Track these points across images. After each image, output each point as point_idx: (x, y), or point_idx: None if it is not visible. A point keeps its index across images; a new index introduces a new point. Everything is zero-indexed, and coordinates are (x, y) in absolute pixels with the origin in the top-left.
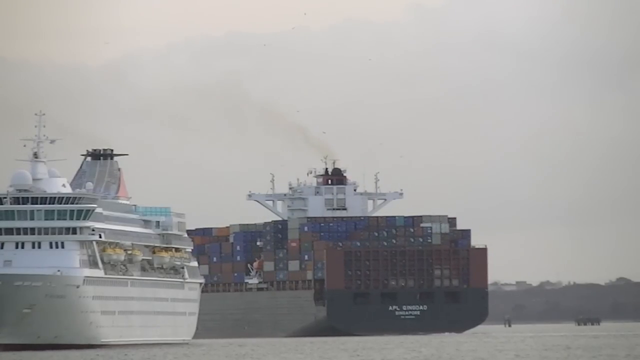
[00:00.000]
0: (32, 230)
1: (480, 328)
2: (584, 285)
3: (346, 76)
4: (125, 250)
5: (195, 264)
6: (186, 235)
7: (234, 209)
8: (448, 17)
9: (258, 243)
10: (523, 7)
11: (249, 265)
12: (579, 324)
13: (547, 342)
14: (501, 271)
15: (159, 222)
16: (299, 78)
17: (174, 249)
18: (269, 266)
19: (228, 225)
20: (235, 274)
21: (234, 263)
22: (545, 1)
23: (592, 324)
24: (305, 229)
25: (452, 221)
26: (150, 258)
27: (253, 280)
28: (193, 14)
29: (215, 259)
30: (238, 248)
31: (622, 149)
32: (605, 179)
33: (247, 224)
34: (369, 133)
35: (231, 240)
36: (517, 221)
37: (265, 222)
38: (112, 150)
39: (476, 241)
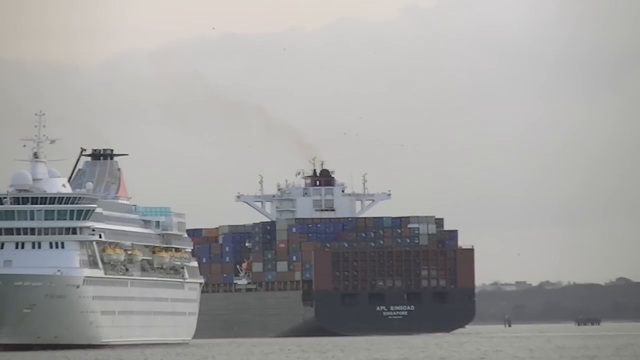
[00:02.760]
0: (32, 230)
1: (480, 328)
2: (584, 285)
3: (338, 77)
4: (125, 250)
5: (195, 264)
6: (186, 235)
7: (223, 210)
8: (441, 18)
9: (247, 244)
10: (516, 7)
11: (237, 266)
12: (579, 324)
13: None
14: (488, 271)
15: (159, 222)
16: (291, 78)
17: (174, 249)
18: (257, 267)
19: (217, 226)
20: (225, 275)
21: (223, 264)
22: (539, 1)
23: (592, 324)
24: (294, 230)
25: (439, 222)
26: (150, 258)
27: (242, 281)
28: (188, 15)
29: (204, 259)
30: (227, 249)
31: (615, 149)
32: (600, 178)
33: (236, 225)
34: (358, 133)
35: (220, 241)
36: (512, 222)
37: (254, 223)
38: (112, 150)
39: (466, 242)
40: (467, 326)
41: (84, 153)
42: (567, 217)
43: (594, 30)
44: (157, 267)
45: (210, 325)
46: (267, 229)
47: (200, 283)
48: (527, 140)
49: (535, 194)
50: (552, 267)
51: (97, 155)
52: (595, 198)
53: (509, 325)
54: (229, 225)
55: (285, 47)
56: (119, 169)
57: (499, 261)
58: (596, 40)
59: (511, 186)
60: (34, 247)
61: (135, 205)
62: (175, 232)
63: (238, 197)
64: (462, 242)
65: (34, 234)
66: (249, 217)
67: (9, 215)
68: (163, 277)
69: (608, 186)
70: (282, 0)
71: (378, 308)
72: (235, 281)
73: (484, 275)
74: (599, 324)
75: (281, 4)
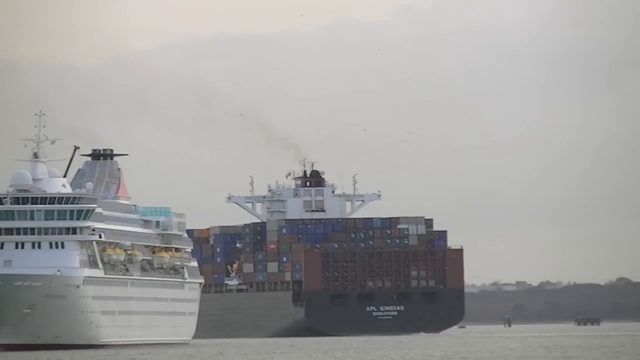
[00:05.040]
0: (32, 230)
1: (480, 328)
2: (584, 285)
3: (332, 77)
4: (125, 250)
5: (195, 264)
6: (186, 235)
7: (214, 211)
8: (437, 18)
9: (237, 245)
10: (513, 8)
11: (228, 267)
12: (579, 324)
13: None
14: (484, 271)
15: (159, 222)
16: (284, 79)
17: (173, 249)
18: (248, 268)
19: (208, 227)
20: (216, 276)
21: (214, 265)
22: (536, 2)
23: (592, 324)
24: (284, 230)
25: (428, 222)
26: (150, 258)
27: (233, 282)
28: (183, 15)
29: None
30: (218, 250)
31: (614, 149)
32: (600, 178)
33: (227, 226)
34: (350, 134)
35: (211, 242)
36: (509, 222)
37: (244, 224)
38: (112, 150)
39: (460, 242)
40: (466, 326)
41: (80, 153)
42: (567, 217)
43: (592, 30)
44: (157, 267)
45: (202, 325)
46: (258, 230)
47: (200, 283)
48: (525, 141)
49: (534, 194)
50: (552, 267)
51: (97, 155)
52: (595, 198)
53: (509, 325)
54: (219, 226)
55: (281, 49)
56: (119, 169)
57: (497, 261)
58: (594, 40)
59: (508, 186)
60: (34, 247)
61: (135, 205)
62: (175, 232)
63: (229, 198)
64: (454, 242)
65: (34, 234)
66: (239, 218)
67: (9, 215)
68: (163, 277)
69: (608, 186)
70: (278, 1)
71: (368, 308)
72: (226, 282)
73: (483, 275)
74: (599, 324)
75: (277, 5)
